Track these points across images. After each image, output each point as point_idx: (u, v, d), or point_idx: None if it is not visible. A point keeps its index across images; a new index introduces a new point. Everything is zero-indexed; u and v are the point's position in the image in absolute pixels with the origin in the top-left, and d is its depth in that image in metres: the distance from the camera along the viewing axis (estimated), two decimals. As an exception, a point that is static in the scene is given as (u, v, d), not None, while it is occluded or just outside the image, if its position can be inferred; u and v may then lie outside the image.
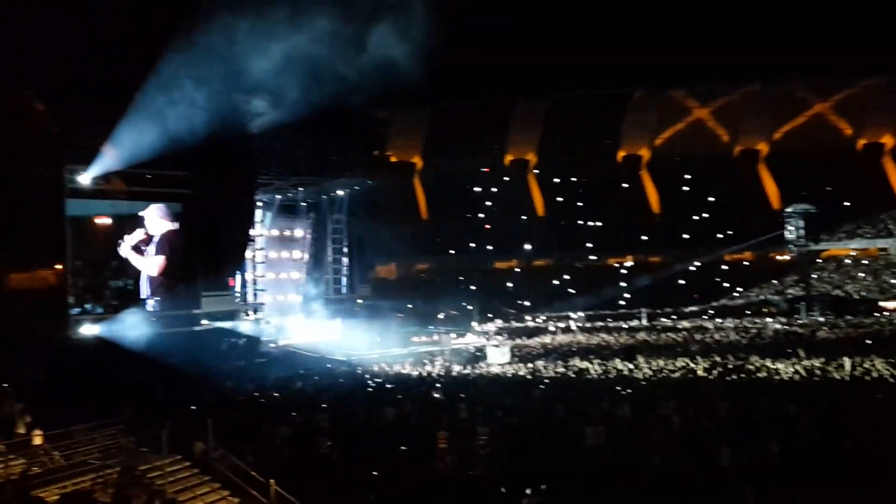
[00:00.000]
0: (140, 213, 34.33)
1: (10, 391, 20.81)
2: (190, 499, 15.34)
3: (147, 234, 34.41)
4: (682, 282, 59.72)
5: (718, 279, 59.87)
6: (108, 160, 32.86)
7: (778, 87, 65.37)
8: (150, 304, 34.97)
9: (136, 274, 34.39)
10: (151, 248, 34.60)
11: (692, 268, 61.07)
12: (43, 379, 25.69)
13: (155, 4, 39.03)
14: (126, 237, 33.17)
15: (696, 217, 64.65)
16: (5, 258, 36.76)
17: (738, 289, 57.62)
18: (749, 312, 51.43)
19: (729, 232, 62.33)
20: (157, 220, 34.90)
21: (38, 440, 17.35)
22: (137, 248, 33.90)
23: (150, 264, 34.44)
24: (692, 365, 30.56)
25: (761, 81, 64.18)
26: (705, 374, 28.42)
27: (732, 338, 41.08)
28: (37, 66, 38.91)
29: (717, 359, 31.82)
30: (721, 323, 47.27)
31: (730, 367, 29.57)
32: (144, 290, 34.80)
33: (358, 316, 48.98)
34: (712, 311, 52.85)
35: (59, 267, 36.34)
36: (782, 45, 54.70)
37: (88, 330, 31.04)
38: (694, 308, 54.07)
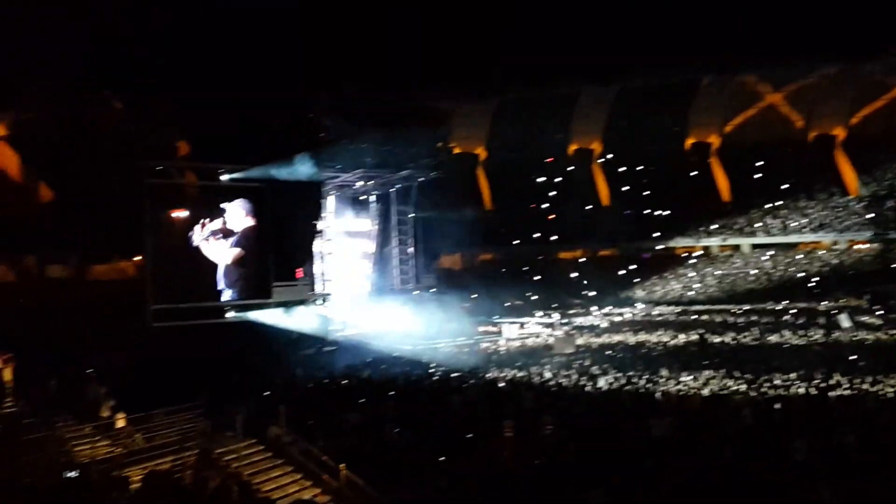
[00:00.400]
0: (222, 206, 35.41)
1: (94, 376, 21.90)
2: (264, 481, 15.87)
3: (225, 226, 35.50)
4: (754, 271, 58.00)
5: (792, 269, 57.83)
6: (183, 156, 34.08)
7: (856, 70, 62.54)
8: (225, 295, 36.09)
9: (212, 266, 35.56)
10: (228, 241, 35.70)
11: (765, 257, 59.23)
12: (125, 365, 26.89)
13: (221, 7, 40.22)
14: (200, 227, 34.29)
15: (768, 205, 62.57)
16: (88, 250, 38.65)
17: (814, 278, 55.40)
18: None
19: (803, 220, 60.18)
20: (239, 215, 35.96)
21: (121, 423, 18.21)
22: (212, 237, 35.03)
23: (226, 254, 35.54)
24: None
25: (838, 64, 61.46)
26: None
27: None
28: (113, 65, 40.68)
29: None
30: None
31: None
32: (220, 281, 35.95)
33: (423, 306, 49.38)
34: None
35: (138, 259, 37.95)
36: (859, 26, 52.20)
37: (167, 318, 32.22)
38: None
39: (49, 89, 40.79)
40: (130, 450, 17.10)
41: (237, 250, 35.74)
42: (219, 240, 35.30)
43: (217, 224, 35.12)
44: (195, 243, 34.36)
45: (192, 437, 17.55)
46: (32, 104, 40.94)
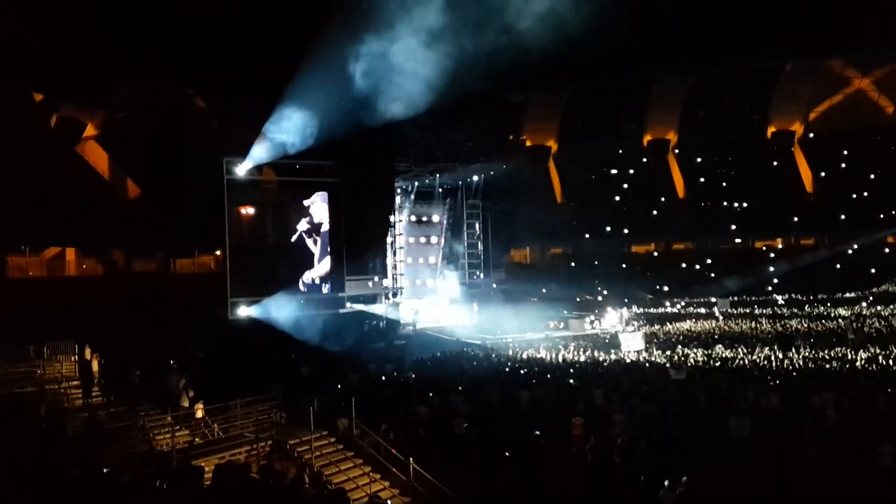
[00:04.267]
0: (305, 203, 36.32)
1: (175, 367, 22.76)
2: (334, 473, 16.16)
3: (311, 222, 36.43)
4: (838, 266, 55.48)
5: (880, 263, 55.03)
6: (261, 152, 35.00)
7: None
8: (301, 287, 37.01)
9: (286, 259, 36.55)
10: (320, 238, 36.70)
11: (850, 251, 56.58)
12: (204, 357, 27.85)
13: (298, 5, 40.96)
14: (297, 224, 35.51)
15: (854, 196, 59.68)
16: (171, 245, 40.16)
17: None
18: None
19: (892, 212, 57.07)
20: (323, 209, 36.84)
21: (199, 413, 18.86)
22: (307, 234, 36.15)
23: (319, 251, 36.58)
24: (849, 356, 28.49)
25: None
26: (864, 366, 26.38)
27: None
28: (195, 64, 42.00)
29: (878, 349, 29.46)
30: (882, 311, 43.40)
31: (891, 358, 27.29)
32: (315, 275, 36.97)
33: (493, 300, 49.38)
34: (872, 298, 48.71)
35: (218, 253, 39.23)
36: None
37: (245, 312, 33.20)
38: (851, 294, 50.07)
39: (136, 90, 42.54)
40: (208, 440, 17.68)
41: (326, 249, 36.84)
42: (311, 236, 36.39)
43: (304, 224, 36.16)
44: (293, 239, 35.62)
45: (266, 428, 18.01)
46: (120, 104, 42.77)
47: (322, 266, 37.01)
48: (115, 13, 37.59)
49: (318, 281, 37.21)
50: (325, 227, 36.76)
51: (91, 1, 37.14)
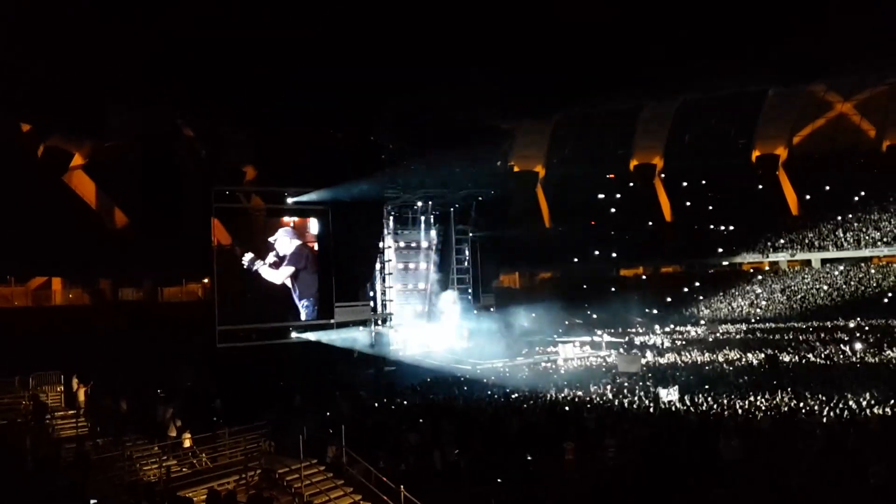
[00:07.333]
0: (270, 239, 36.37)
1: (163, 396, 22.51)
2: (325, 502, 15.93)
3: (278, 255, 36.48)
4: (825, 286, 55.84)
5: (866, 282, 55.44)
6: (250, 180, 35.11)
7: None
8: (303, 314, 36.90)
9: (276, 288, 36.40)
10: (284, 262, 36.71)
11: (837, 272, 57.00)
12: (192, 385, 27.58)
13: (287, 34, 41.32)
14: (259, 261, 35.37)
15: (839, 217, 60.29)
16: (158, 273, 39.92)
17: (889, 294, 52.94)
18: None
19: (876, 233, 57.68)
20: (286, 241, 36.93)
21: (187, 443, 18.60)
22: (272, 266, 36.08)
23: (279, 275, 36.50)
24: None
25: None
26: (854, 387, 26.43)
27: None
28: (183, 93, 42.16)
29: (868, 371, 29.57)
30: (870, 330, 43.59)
31: (881, 380, 27.36)
32: (297, 301, 36.81)
33: (482, 325, 49.25)
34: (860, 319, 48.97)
35: (206, 281, 39.03)
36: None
37: (233, 340, 32.98)
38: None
39: (125, 119, 42.58)
40: (195, 469, 17.42)
41: (290, 269, 36.72)
42: (275, 267, 36.35)
43: (272, 257, 36.20)
44: (255, 268, 35.46)
45: (255, 457, 17.77)
46: (110, 133, 42.77)
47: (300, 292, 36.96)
48: (104, 43, 37.75)
49: (302, 308, 37.08)
50: (288, 259, 36.80)
51: (80, 31, 37.28)
